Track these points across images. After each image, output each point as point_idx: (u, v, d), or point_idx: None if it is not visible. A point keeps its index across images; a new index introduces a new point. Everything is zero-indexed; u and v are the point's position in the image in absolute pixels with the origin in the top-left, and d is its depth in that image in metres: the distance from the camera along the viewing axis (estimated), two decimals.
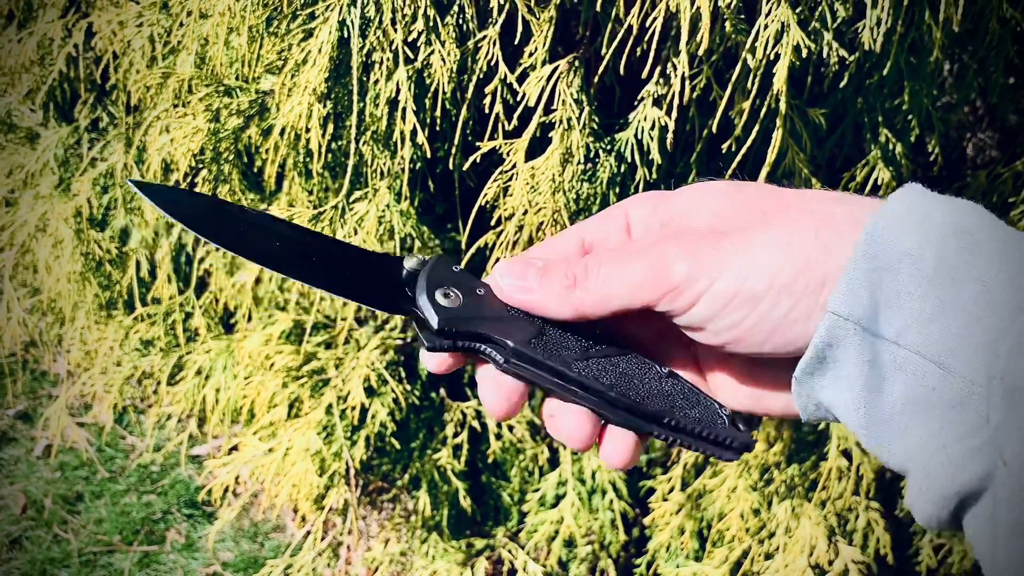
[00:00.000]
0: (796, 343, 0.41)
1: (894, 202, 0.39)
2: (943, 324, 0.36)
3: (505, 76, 1.14)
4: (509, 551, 1.92)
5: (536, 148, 1.19)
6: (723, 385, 0.48)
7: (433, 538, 1.91)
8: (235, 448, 1.85)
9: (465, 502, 1.83)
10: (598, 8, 1.05)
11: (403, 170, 1.24)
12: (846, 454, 1.53)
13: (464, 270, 0.47)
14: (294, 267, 0.46)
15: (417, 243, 1.39)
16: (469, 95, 1.18)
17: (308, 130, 1.20)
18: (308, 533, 1.90)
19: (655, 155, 1.17)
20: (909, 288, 0.37)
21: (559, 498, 1.86)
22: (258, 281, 1.71)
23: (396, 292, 0.47)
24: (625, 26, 1.06)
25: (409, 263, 0.48)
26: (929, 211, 0.38)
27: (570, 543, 1.89)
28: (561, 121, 1.15)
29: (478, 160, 1.21)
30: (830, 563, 1.58)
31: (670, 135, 1.09)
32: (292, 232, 0.47)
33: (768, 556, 1.64)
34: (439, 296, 0.46)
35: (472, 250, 1.27)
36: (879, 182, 1.33)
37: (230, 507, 2.06)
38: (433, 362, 0.47)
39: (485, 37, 1.13)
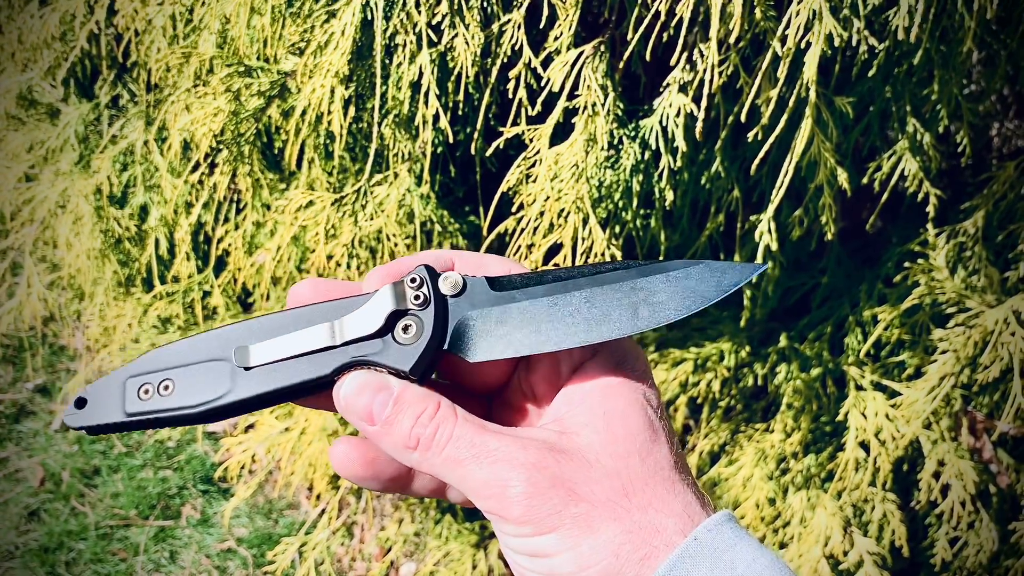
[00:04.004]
0: None
1: (703, 535, 0.41)
2: None
3: (529, 60, 1.12)
4: None
5: (559, 133, 1.18)
6: None
7: (447, 520, 1.92)
8: (251, 427, 1.86)
9: None
10: None
11: (424, 154, 1.23)
12: (863, 446, 1.53)
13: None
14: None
15: (437, 227, 1.38)
16: (492, 79, 1.17)
17: (330, 112, 1.19)
18: (323, 512, 1.91)
19: (680, 142, 1.16)
20: None
21: None
22: (277, 261, 1.71)
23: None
24: (652, 11, 1.04)
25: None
26: (733, 559, 0.40)
27: None
28: (585, 107, 1.13)
29: (501, 145, 1.20)
30: (845, 554, 1.57)
31: (699, 124, 1.08)
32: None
33: (782, 545, 1.63)
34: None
35: (492, 235, 1.26)
36: (906, 172, 1.32)
37: (246, 484, 2.08)
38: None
39: (510, 21, 1.12)
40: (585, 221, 1.17)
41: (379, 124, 1.21)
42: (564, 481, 0.41)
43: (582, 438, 0.43)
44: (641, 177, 1.22)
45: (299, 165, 1.47)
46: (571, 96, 1.15)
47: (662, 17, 1.03)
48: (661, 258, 1.39)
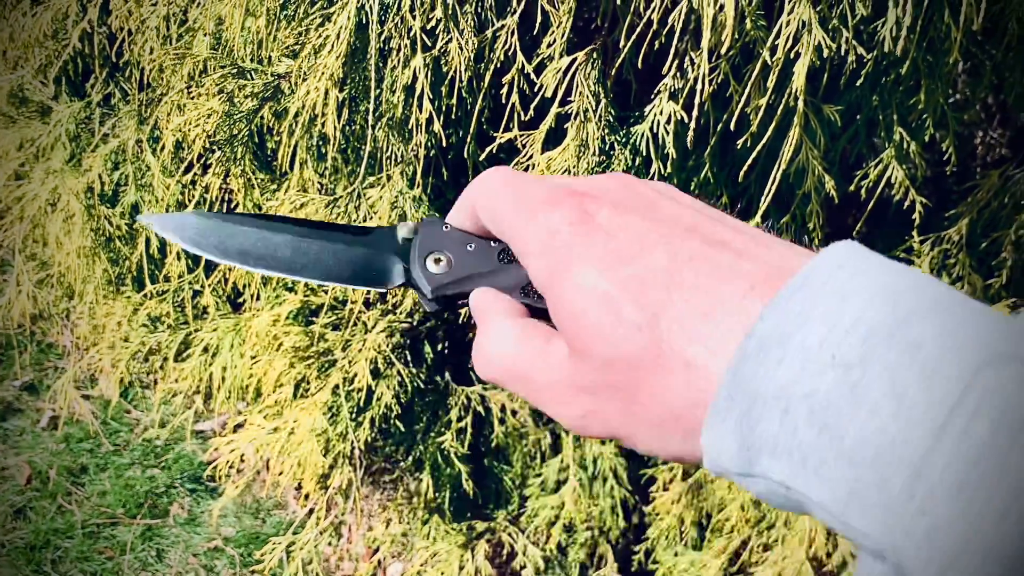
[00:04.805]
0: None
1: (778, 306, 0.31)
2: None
3: (523, 66, 1.14)
4: (509, 535, 1.93)
5: (551, 138, 1.19)
6: None
7: (435, 520, 1.93)
8: (240, 426, 1.86)
9: (467, 485, 1.85)
10: (618, 2, 1.05)
11: (417, 157, 1.24)
12: None
13: (454, 228, 0.47)
14: (294, 269, 0.49)
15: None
16: (486, 84, 1.18)
17: (324, 114, 1.20)
18: (311, 512, 1.92)
19: (670, 149, 1.17)
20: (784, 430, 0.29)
21: (560, 483, 1.87)
22: None
23: (394, 267, 0.48)
24: (644, 20, 1.06)
25: (403, 231, 0.48)
26: (805, 338, 0.30)
27: (570, 528, 1.90)
28: (578, 113, 1.15)
29: (494, 150, 1.21)
30: (828, 555, 1.59)
31: (690, 132, 1.09)
32: (286, 231, 0.50)
33: (767, 547, 1.65)
34: (430, 263, 0.46)
35: None
36: (892, 180, 1.34)
37: (234, 483, 2.08)
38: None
39: (503, 26, 1.13)
40: None
41: (373, 127, 1.22)
42: (590, 390, 0.36)
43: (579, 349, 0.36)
44: None
45: (291, 166, 1.48)
46: (564, 102, 1.16)
47: (654, 25, 1.05)
48: None
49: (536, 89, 1.16)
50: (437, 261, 0.46)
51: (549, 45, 1.14)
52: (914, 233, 1.45)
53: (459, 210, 0.45)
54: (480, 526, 1.93)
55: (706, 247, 0.34)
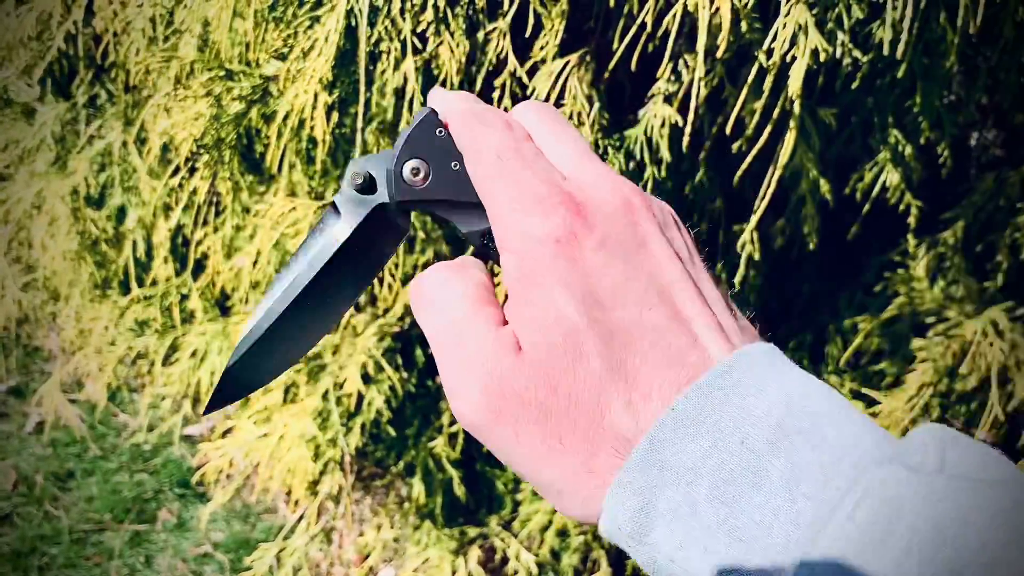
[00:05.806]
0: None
1: (682, 405, 0.32)
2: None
3: (515, 70, 1.12)
4: (502, 540, 1.92)
5: None
6: None
7: (426, 525, 1.91)
8: (229, 431, 1.84)
9: (459, 490, 1.83)
10: (611, 4, 1.03)
11: None
12: None
13: (448, 136, 0.42)
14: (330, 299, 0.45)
15: (420, 233, 1.38)
16: (478, 87, 1.16)
17: (313, 118, 1.18)
18: (301, 517, 1.90)
19: (664, 153, 1.16)
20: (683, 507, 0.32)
21: None
22: (256, 265, 1.69)
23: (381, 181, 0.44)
24: (638, 22, 1.04)
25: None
26: (719, 420, 0.32)
27: (563, 533, 1.89)
28: (570, 116, 1.13)
29: None
30: None
31: (686, 136, 1.08)
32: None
33: None
34: (408, 171, 0.42)
35: None
36: (887, 184, 1.32)
37: (223, 488, 2.05)
38: None
39: (495, 29, 1.11)
40: None
41: (362, 130, 1.20)
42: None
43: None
44: None
45: (280, 169, 1.46)
46: (556, 105, 1.14)
47: (648, 28, 1.03)
48: None
49: (528, 92, 1.14)
50: (415, 172, 0.42)
51: (542, 48, 1.12)
52: (909, 236, 1.44)
53: (454, 131, 0.41)
54: (472, 531, 1.92)
55: (670, 322, 0.34)
